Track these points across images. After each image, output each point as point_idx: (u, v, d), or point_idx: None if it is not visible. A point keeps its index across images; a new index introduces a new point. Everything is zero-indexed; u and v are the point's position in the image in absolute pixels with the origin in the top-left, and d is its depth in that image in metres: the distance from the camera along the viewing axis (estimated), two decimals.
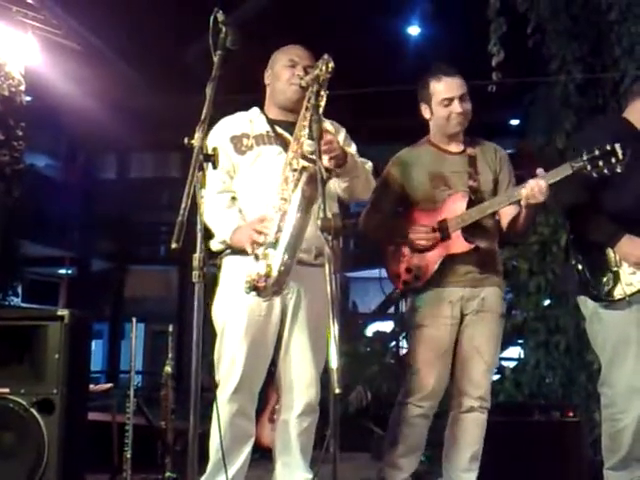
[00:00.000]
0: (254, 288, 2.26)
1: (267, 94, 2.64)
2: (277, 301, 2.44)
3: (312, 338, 2.49)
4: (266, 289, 2.26)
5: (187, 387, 1.86)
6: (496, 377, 5.52)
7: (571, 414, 3.72)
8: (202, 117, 1.85)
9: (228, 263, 2.51)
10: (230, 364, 2.41)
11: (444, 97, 2.75)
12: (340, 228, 2.03)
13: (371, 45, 6.10)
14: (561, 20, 4.71)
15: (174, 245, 1.69)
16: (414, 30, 6.73)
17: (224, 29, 1.94)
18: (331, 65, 2.22)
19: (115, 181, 11.02)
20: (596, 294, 2.74)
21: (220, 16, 1.92)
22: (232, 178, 2.54)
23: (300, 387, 2.48)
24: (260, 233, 2.28)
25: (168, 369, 3.77)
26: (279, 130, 2.54)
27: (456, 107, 2.75)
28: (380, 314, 8.58)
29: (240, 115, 2.61)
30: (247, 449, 2.45)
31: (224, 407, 2.35)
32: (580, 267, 2.85)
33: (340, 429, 1.89)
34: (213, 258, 2.49)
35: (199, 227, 1.79)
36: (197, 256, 1.78)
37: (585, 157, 2.50)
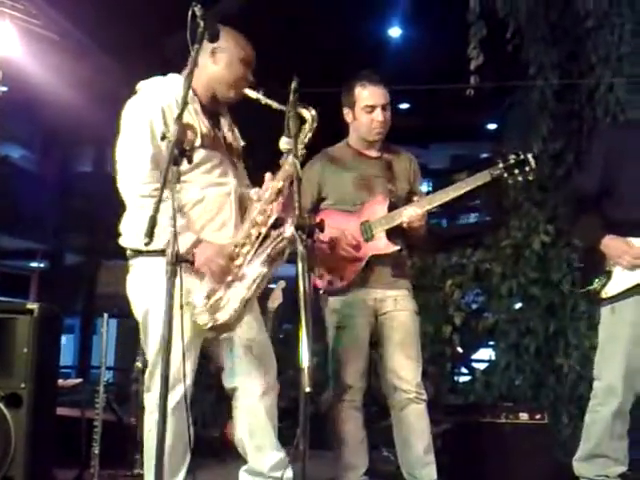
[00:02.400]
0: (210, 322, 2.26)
1: (206, 71, 2.38)
2: None
3: (257, 323, 2.47)
4: (214, 328, 2.28)
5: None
6: (467, 378, 5.58)
7: (539, 416, 3.77)
8: (178, 112, 1.84)
9: (153, 264, 2.27)
10: (177, 374, 2.21)
11: (367, 104, 2.83)
12: (314, 227, 2.04)
13: (352, 46, 6.11)
14: (539, 26, 4.77)
15: (146, 240, 1.68)
16: (395, 32, 6.75)
17: (202, 23, 1.92)
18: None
19: (91, 174, 10.90)
20: (586, 292, 2.86)
21: (198, 10, 1.90)
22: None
23: (263, 369, 2.46)
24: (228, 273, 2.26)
25: (139, 365, 3.74)
26: (215, 129, 2.41)
27: (378, 115, 2.82)
28: None
29: (176, 93, 2.27)
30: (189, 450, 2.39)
31: (173, 413, 2.22)
32: (578, 268, 2.99)
33: (311, 427, 1.89)
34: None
35: (172, 222, 1.78)
36: (169, 252, 1.76)
37: (502, 165, 2.70)
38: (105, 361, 3.46)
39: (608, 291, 2.78)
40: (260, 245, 2.32)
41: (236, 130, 2.55)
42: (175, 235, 1.77)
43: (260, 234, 2.32)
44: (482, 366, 5.63)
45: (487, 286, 4.95)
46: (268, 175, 2.39)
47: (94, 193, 9.73)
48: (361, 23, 6.15)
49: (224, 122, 2.49)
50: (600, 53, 4.57)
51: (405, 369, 2.83)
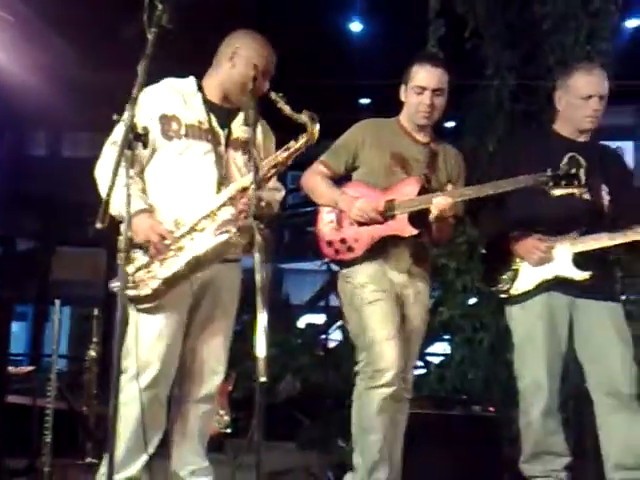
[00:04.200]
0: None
1: (218, 73, 2.50)
2: (188, 288, 2.41)
3: (222, 329, 2.51)
4: (139, 299, 2.26)
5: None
6: (421, 371, 5.65)
7: (491, 409, 3.85)
8: (133, 95, 1.82)
9: None
10: (149, 350, 2.33)
11: (418, 84, 2.74)
12: (273, 216, 2.05)
13: (312, 39, 6.11)
14: (497, 25, 4.83)
15: (98, 225, 1.66)
16: (356, 27, 6.77)
17: (160, 6, 1.90)
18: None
19: (46, 159, 10.67)
20: (496, 291, 2.86)
21: None
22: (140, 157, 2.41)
23: (206, 375, 2.49)
24: (162, 238, 2.27)
25: (92, 353, 3.72)
26: (213, 122, 2.46)
27: (425, 98, 2.73)
28: (312, 306, 8.64)
29: (172, 88, 2.46)
30: (158, 437, 2.42)
31: (143, 393, 2.28)
32: (485, 265, 2.99)
33: (267, 418, 1.90)
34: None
35: (126, 208, 1.77)
36: (122, 238, 1.75)
37: (550, 173, 2.55)
38: (57, 349, 3.41)
39: (518, 288, 2.78)
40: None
41: (256, 127, 2.43)
42: (129, 221, 1.76)
43: (204, 229, 2.32)
44: (437, 360, 5.71)
45: (443, 281, 5.01)
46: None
47: (49, 178, 9.56)
48: (321, 16, 6.16)
49: (240, 119, 2.47)
50: (557, 56, 4.67)
51: (406, 367, 2.73)
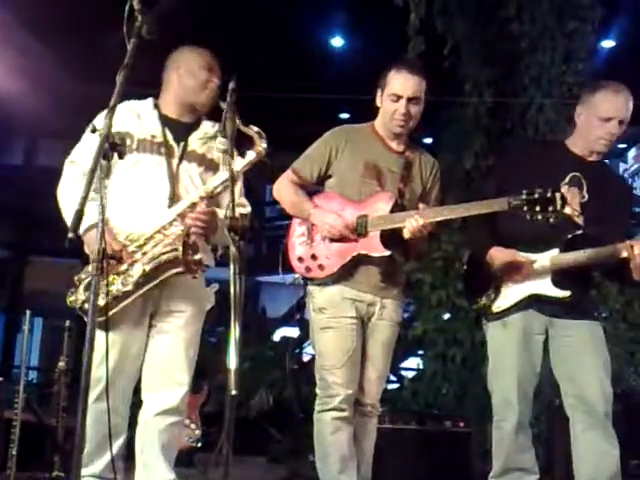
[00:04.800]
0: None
1: (169, 88, 2.57)
2: (147, 299, 2.42)
3: (184, 340, 2.49)
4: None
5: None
6: (395, 386, 5.66)
7: (462, 425, 3.86)
8: (110, 105, 1.81)
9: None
10: (100, 361, 2.22)
11: (394, 92, 2.65)
12: (247, 228, 2.04)
13: (293, 52, 6.14)
14: (475, 44, 4.90)
15: (70, 235, 1.64)
16: (337, 42, 6.83)
17: (140, 17, 1.90)
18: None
19: (21, 167, 10.53)
20: (476, 308, 2.85)
21: (136, 4, 1.88)
22: None
23: (167, 386, 2.47)
24: (116, 257, 2.30)
25: (62, 365, 3.65)
26: (168, 136, 2.51)
27: (401, 106, 2.64)
28: (288, 320, 8.62)
29: (128, 106, 2.52)
30: (116, 445, 2.40)
31: (93, 405, 2.23)
32: (466, 283, 2.99)
33: (239, 432, 1.88)
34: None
35: (100, 218, 1.75)
36: (96, 248, 1.73)
37: (524, 197, 2.48)
38: (26, 360, 3.36)
39: (501, 305, 2.75)
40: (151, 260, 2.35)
41: (217, 142, 2.38)
42: (103, 231, 1.74)
43: (155, 245, 2.36)
44: (410, 374, 5.72)
45: (417, 296, 5.02)
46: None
47: (24, 187, 9.43)
48: (303, 30, 6.19)
49: (199, 134, 2.55)
50: (532, 74, 4.75)
51: (370, 383, 2.72)
